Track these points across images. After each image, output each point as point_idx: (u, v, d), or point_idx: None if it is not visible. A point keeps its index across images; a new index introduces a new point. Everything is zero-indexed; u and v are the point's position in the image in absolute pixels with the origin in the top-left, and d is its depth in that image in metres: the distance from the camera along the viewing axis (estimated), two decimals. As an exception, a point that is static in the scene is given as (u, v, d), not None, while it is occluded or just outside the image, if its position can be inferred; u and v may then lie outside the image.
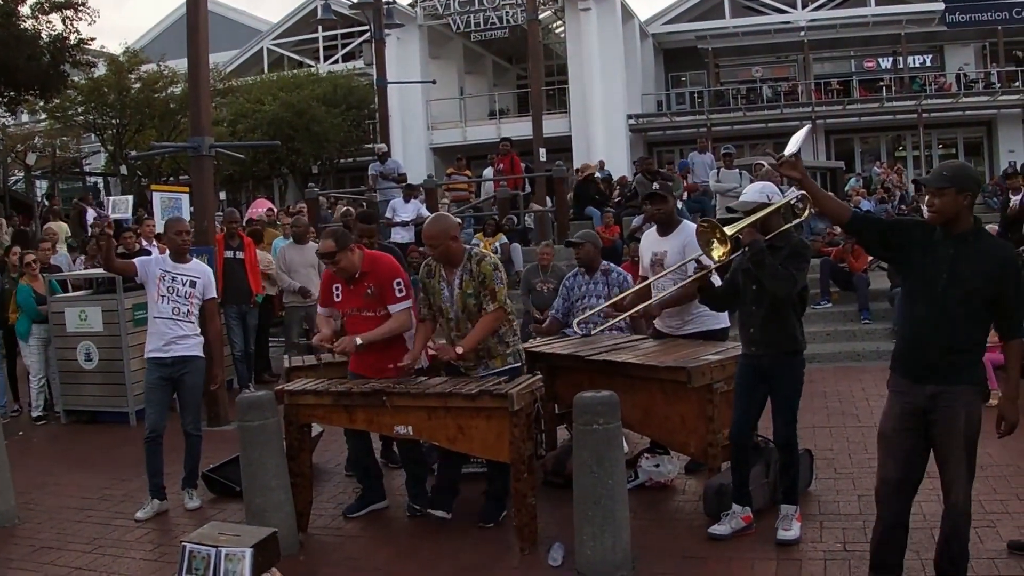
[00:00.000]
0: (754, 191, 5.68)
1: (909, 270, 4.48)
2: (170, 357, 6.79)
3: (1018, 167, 20.76)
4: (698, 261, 5.91)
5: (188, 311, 6.85)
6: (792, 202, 5.65)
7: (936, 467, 4.42)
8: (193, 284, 6.87)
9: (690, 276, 6.12)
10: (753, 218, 5.35)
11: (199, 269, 7.00)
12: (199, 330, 6.97)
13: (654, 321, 7.16)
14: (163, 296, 6.80)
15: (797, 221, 5.94)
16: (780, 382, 5.47)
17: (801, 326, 5.54)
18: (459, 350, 5.88)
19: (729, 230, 5.31)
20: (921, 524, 4.96)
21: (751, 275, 5.45)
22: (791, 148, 4.63)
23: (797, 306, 5.50)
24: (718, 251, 5.35)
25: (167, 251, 7.11)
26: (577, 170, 20.16)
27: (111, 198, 7.42)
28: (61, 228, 17.23)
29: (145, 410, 7.04)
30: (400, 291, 6.22)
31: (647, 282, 7.00)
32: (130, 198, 7.29)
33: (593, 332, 7.02)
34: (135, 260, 7.20)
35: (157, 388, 6.85)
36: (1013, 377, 4.40)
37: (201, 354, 6.97)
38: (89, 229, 19.00)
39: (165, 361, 6.80)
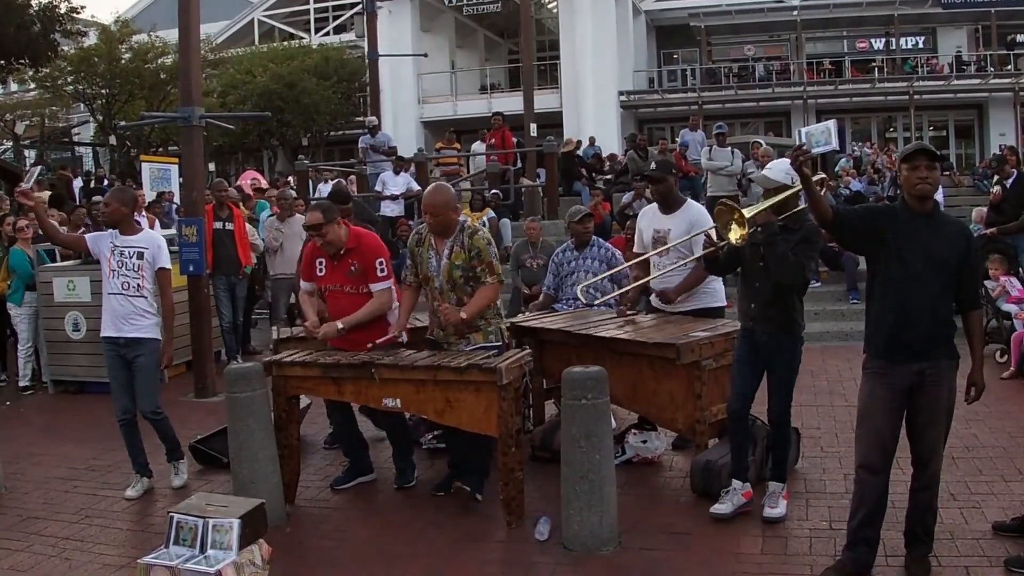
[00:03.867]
0: (780, 171, 5.44)
1: (885, 254, 4.53)
2: (123, 338, 6.49)
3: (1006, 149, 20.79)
4: (708, 235, 5.89)
5: (139, 285, 6.50)
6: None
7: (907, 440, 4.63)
8: (140, 255, 6.51)
9: (695, 255, 6.13)
10: (773, 200, 5.29)
11: (147, 239, 6.64)
12: (155, 307, 6.62)
13: (650, 298, 7.19)
14: (114, 271, 6.48)
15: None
16: (777, 361, 5.47)
17: (801, 307, 5.53)
18: (463, 315, 5.85)
19: (748, 212, 5.27)
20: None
21: (758, 251, 5.40)
22: (821, 149, 4.72)
23: (800, 287, 5.50)
24: (735, 233, 5.28)
25: (155, 221, 7.01)
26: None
27: (34, 167, 7.28)
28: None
29: (111, 393, 6.73)
30: (382, 270, 6.21)
31: (642, 257, 7.03)
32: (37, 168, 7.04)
33: (595, 303, 7.06)
34: (86, 235, 6.94)
35: (116, 369, 6.57)
36: (978, 345, 4.68)
37: (156, 335, 6.62)
38: (78, 199, 18.91)
39: (118, 341, 6.51)
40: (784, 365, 5.48)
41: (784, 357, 5.46)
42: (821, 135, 4.79)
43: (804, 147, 4.60)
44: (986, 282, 10.38)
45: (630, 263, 7.37)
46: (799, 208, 5.44)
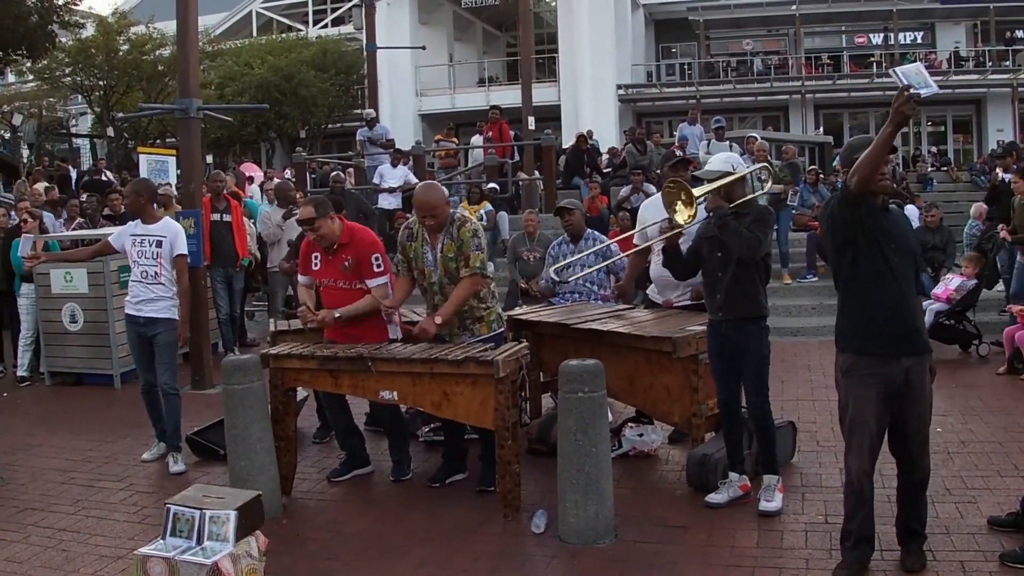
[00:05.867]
0: (719, 160, 5.73)
1: (866, 246, 4.39)
2: (142, 317, 6.87)
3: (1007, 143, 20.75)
4: (670, 222, 5.91)
5: (156, 272, 6.85)
6: (755, 173, 5.75)
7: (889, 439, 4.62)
8: (159, 244, 6.86)
9: (658, 237, 6.11)
10: (718, 184, 5.46)
11: (166, 228, 6.96)
12: (172, 291, 6.94)
13: (647, 291, 7.20)
14: (135, 261, 6.89)
15: (761, 192, 5.98)
16: (746, 351, 5.48)
17: (765, 292, 5.57)
18: (438, 320, 5.88)
19: (697, 191, 5.41)
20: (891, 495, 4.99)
21: (716, 242, 5.49)
22: (927, 91, 4.09)
23: (761, 272, 5.53)
24: (682, 214, 5.44)
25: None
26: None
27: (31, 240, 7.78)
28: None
29: (136, 367, 7.26)
30: (378, 266, 6.21)
31: (630, 252, 7.06)
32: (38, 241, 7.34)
33: (571, 279, 7.36)
34: (109, 238, 7.23)
35: (136, 346, 7.03)
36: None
37: (172, 316, 6.96)
38: (75, 190, 18.87)
39: (138, 320, 6.89)
40: (753, 354, 5.49)
41: (752, 346, 5.48)
42: (917, 76, 4.27)
43: (912, 89, 3.97)
44: (948, 275, 10.59)
45: (627, 254, 7.37)
46: (749, 196, 5.57)
